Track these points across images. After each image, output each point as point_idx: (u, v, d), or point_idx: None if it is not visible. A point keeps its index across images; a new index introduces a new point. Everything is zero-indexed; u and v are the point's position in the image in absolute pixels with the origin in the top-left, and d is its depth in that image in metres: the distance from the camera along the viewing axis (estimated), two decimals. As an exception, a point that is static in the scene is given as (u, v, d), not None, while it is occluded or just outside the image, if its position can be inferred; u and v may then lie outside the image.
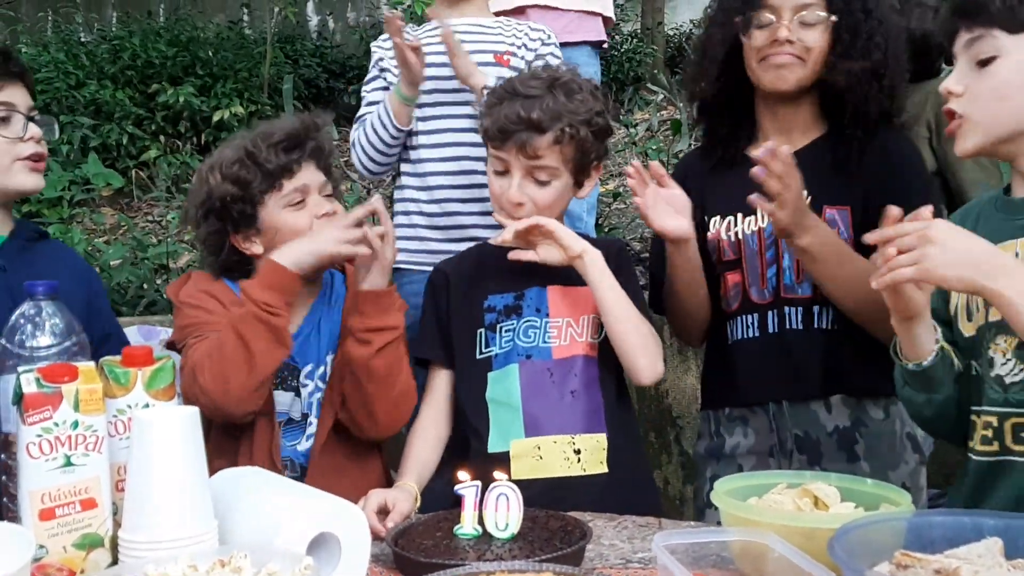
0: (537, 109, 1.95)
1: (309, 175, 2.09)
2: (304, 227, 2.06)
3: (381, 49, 2.75)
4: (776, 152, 1.85)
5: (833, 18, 2.03)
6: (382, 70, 2.74)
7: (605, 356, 2.04)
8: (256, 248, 2.09)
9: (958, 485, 1.75)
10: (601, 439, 1.99)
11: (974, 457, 1.69)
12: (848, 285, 1.98)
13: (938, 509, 1.44)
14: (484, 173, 2.36)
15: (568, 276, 2.04)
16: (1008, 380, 1.63)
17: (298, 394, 2.08)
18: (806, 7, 2.04)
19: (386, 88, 2.70)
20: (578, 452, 1.97)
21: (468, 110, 2.61)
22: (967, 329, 1.72)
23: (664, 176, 2.01)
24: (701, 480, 2.28)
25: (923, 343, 1.66)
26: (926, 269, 1.49)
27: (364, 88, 2.80)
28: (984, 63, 1.64)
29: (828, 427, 2.10)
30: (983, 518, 1.33)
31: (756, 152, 1.87)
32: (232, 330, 1.88)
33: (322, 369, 2.11)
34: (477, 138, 2.33)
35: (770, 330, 2.12)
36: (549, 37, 2.78)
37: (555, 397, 1.99)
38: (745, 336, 2.15)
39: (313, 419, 2.09)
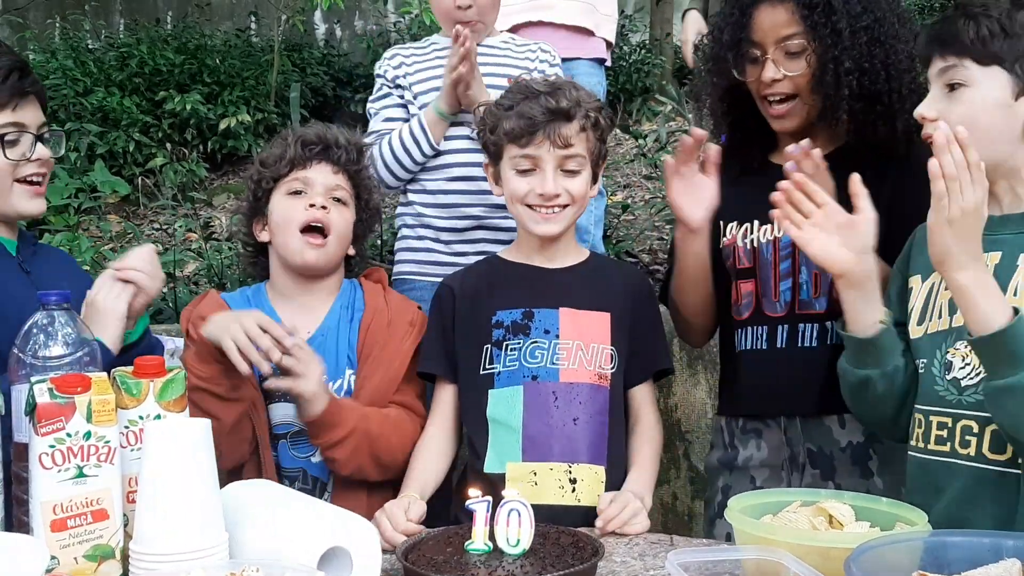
0: (562, 98, 2.00)
1: (320, 174, 2.16)
2: (293, 216, 2.12)
3: (390, 66, 2.75)
4: (809, 152, 1.88)
5: (812, 43, 2.01)
6: (397, 86, 2.73)
7: (617, 389, 2.03)
8: (264, 235, 2.19)
9: (910, 484, 1.80)
10: (600, 471, 1.97)
11: (922, 456, 1.74)
12: None
13: (955, 529, 1.43)
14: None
15: (580, 299, 2.04)
16: (964, 383, 1.68)
17: None
18: (787, 38, 2.02)
19: (402, 105, 2.71)
20: (574, 481, 1.96)
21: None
22: (915, 332, 1.79)
23: (711, 163, 2.04)
24: (712, 491, 2.27)
25: (869, 316, 1.79)
26: None
27: (374, 105, 2.79)
28: (953, 91, 1.72)
29: (842, 442, 2.09)
30: (1002, 539, 1.32)
31: (790, 147, 1.90)
32: (193, 405, 1.79)
33: (339, 383, 2.11)
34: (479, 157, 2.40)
35: (779, 344, 2.11)
36: (554, 56, 2.82)
37: (557, 423, 1.97)
38: (753, 347, 2.14)
39: None
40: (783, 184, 1.82)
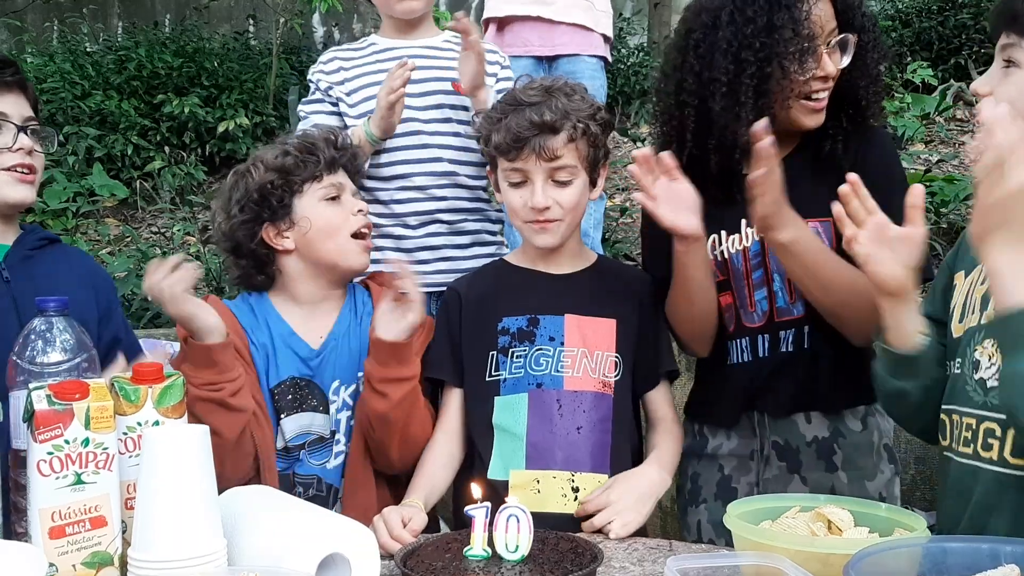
0: (547, 111, 1.97)
1: (344, 178, 2.16)
2: (338, 223, 2.10)
3: (324, 72, 2.65)
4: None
5: (853, 38, 2.01)
6: (330, 94, 2.64)
7: (621, 397, 2.03)
8: (287, 243, 2.11)
9: (943, 488, 1.76)
10: (603, 480, 1.97)
11: (955, 458, 1.70)
12: (827, 283, 1.94)
13: (954, 535, 1.43)
14: (454, 199, 2.54)
15: (586, 306, 2.04)
16: (990, 384, 1.63)
17: (326, 411, 2.07)
18: (832, 31, 2.01)
19: (333, 113, 2.63)
20: (576, 490, 1.96)
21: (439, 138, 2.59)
22: (957, 330, 1.74)
23: (674, 169, 1.93)
24: (683, 478, 2.25)
25: (910, 327, 1.72)
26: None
27: (305, 108, 2.69)
28: (1007, 69, 1.66)
29: (807, 437, 2.10)
30: (1000, 544, 1.32)
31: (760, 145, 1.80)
32: (194, 418, 1.75)
33: (353, 387, 2.10)
34: (446, 166, 2.51)
35: (761, 354, 2.10)
36: (505, 60, 2.72)
37: (560, 431, 1.98)
38: (741, 361, 2.12)
39: (341, 437, 2.08)
40: (844, 189, 1.72)
